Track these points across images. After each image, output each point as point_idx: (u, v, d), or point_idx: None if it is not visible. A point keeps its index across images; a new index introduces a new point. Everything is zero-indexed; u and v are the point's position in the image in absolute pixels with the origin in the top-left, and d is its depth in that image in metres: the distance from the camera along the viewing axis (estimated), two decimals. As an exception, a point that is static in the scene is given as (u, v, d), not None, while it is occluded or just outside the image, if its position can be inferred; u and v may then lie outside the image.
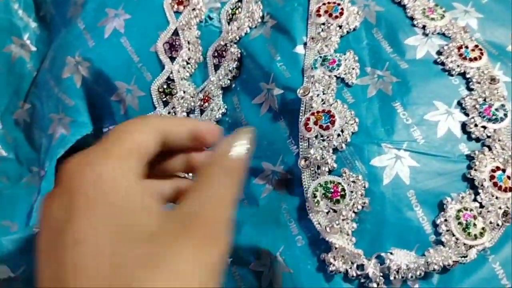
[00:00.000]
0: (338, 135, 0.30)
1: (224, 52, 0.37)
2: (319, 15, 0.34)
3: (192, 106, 0.37)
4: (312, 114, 0.30)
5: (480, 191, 0.29)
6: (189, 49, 0.38)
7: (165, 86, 0.37)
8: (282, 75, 0.34)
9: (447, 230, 0.28)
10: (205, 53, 0.38)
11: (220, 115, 0.36)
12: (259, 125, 0.34)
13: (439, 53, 0.33)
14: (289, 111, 0.33)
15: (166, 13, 0.38)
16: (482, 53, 0.33)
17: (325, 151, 0.29)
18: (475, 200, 0.28)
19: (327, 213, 0.29)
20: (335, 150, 0.30)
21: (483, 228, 0.27)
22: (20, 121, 0.43)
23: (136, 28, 0.38)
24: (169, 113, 0.37)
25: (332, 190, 0.28)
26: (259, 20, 0.37)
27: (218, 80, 0.37)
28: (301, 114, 0.31)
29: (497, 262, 0.28)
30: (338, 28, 0.34)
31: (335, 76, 0.32)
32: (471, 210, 0.28)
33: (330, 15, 0.34)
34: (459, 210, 0.28)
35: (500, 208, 0.28)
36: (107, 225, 0.19)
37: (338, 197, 0.28)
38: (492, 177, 0.29)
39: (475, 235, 0.27)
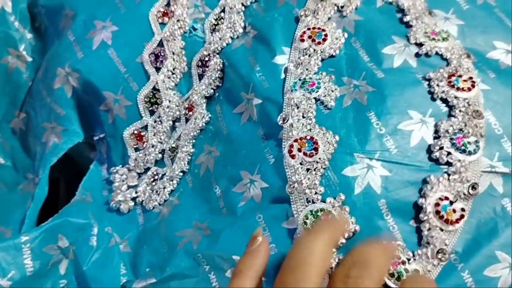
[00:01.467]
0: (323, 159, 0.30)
1: (207, 62, 0.38)
2: (302, 40, 0.34)
3: (177, 115, 0.38)
4: (295, 140, 0.31)
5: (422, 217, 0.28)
6: (173, 59, 0.39)
7: (151, 96, 0.38)
8: (261, 85, 0.34)
9: None
10: (189, 63, 0.39)
11: (204, 124, 0.37)
12: (239, 134, 0.35)
13: (425, 79, 0.32)
14: (267, 122, 0.33)
15: (151, 24, 0.39)
16: (473, 85, 0.32)
17: (312, 176, 0.30)
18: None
19: None
20: (322, 175, 0.30)
21: (416, 270, 0.27)
22: (16, 130, 0.45)
23: (123, 39, 0.39)
24: (155, 121, 0.39)
25: (323, 219, 0.29)
26: (241, 30, 0.38)
27: (202, 90, 0.38)
28: (283, 141, 0.31)
29: (466, 271, 0.28)
30: (320, 52, 0.34)
31: (314, 98, 0.32)
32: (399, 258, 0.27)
33: (313, 40, 0.34)
34: None
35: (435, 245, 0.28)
36: None
37: None
38: (436, 205, 0.28)
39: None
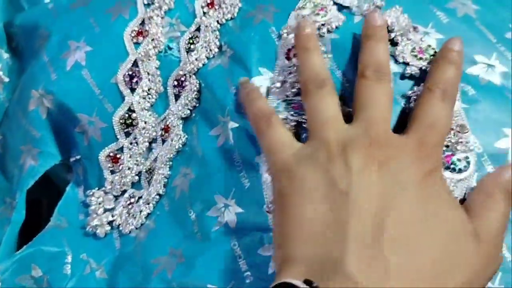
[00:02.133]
0: None
1: (183, 82, 0.37)
2: (288, 58, 0.33)
3: (154, 136, 0.38)
4: None
5: None
6: (149, 79, 0.38)
7: (126, 117, 0.37)
8: (236, 108, 0.34)
9: None
10: (165, 83, 0.38)
11: (181, 145, 0.37)
12: (215, 157, 0.34)
13: (406, 97, 0.31)
14: (244, 146, 0.33)
15: (126, 44, 0.38)
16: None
17: None
18: None
19: None
20: None
21: None
22: (-7, 152, 0.44)
23: (97, 60, 0.38)
24: (131, 143, 0.38)
25: None
26: (216, 50, 0.37)
27: (178, 111, 0.37)
28: (263, 161, 0.31)
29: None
30: None
31: (297, 121, 0.31)
32: None
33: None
34: None
35: None
36: None
37: None
38: None
39: None
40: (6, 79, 0.45)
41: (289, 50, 0.33)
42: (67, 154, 0.41)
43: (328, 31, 0.33)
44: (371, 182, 0.25)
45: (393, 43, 0.34)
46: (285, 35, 0.34)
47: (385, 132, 0.27)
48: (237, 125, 0.33)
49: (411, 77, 0.32)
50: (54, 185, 0.46)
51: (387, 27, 0.35)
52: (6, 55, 0.46)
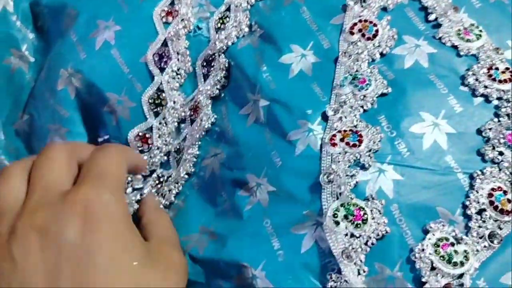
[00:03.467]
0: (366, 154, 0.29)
1: (212, 62, 0.37)
2: (352, 33, 0.33)
3: (182, 116, 0.38)
4: (339, 132, 0.30)
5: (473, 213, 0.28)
6: (178, 59, 0.38)
7: (155, 97, 0.37)
8: (267, 86, 0.34)
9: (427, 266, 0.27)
10: (194, 63, 0.38)
11: (210, 125, 0.37)
12: (245, 136, 0.34)
13: (463, 77, 0.32)
14: (274, 124, 0.32)
15: (155, 24, 0.38)
16: None
17: (350, 167, 0.29)
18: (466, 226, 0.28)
19: (345, 235, 0.28)
20: (363, 167, 0.29)
21: (465, 251, 0.27)
22: (20, 132, 0.44)
23: (126, 39, 0.38)
24: (160, 123, 0.38)
25: (355, 214, 0.28)
26: (247, 29, 0.37)
27: (207, 90, 0.37)
28: (327, 131, 0.31)
29: (481, 278, 0.27)
30: (369, 48, 0.33)
31: (363, 96, 0.31)
32: (446, 239, 0.27)
33: (363, 35, 0.33)
34: (437, 241, 0.27)
35: (487, 229, 0.27)
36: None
37: (360, 222, 0.28)
38: (490, 195, 0.28)
39: (460, 262, 0.27)
40: (32, 59, 0.45)
41: (354, 24, 0.33)
42: (95, 134, 0.41)
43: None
44: (35, 264, 0.24)
45: (436, 24, 0.34)
46: (350, 5, 0.34)
47: (40, 197, 0.26)
48: (267, 103, 0.33)
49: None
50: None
51: (426, 8, 0.35)
52: (31, 35, 0.46)
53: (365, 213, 0.28)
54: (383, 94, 0.32)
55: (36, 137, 0.43)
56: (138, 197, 0.38)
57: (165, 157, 0.38)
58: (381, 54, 0.33)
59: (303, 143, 0.31)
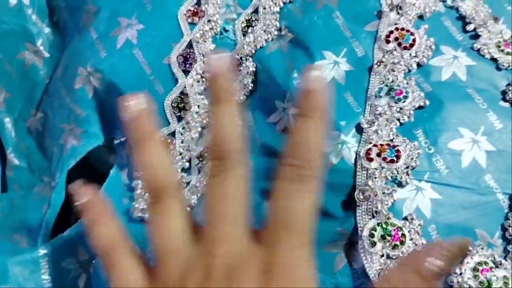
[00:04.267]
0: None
1: (239, 66, 0.36)
2: (388, 41, 0.32)
3: (206, 121, 0.36)
4: (375, 145, 0.29)
5: None
6: (203, 62, 0.36)
7: (178, 101, 0.36)
8: (298, 94, 0.32)
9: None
10: (219, 66, 0.37)
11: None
12: (273, 146, 0.33)
13: (504, 92, 0.31)
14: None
15: (180, 24, 0.37)
16: None
17: (387, 184, 0.28)
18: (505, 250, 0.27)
19: (381, 256, 0.27)
20: (400, 184, 0.28)
21: (505, 277, 0.26)
22: (32, 130, 0.43)
23: (149, 39, 0.37)
24: (183, 128, 0.36)
25: (393, 234, 0.27)
26: (276, 33, 0.35)
27: (233, 95, 0.36)
28: (361, 144, 0.29)
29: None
30: (406, 58, 0.32)
31: (400, 108, 0.30)
32: (485, 263, 0.26)
33: (400, 44, 0.32)
34: (476, 265, 0.26)
35: None
36: None
37: (398, 242, 0.27)
38: None
39: None
40: (47, 54, 0.44)
41: (390, 32, 0.32)
42: (111, 136, 0.40)
43: None
44: None
45: (475, 35, 0.33)
46: (386, 12, 0.33)
47: (228, 253, 0.22)
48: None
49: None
50: (88, 169, 0.44)
51: (464, 18, 0.33)
52: (47, 30, 0.44)
53: (403, 234, 0.27)
54: (420, 107, 0.30)
55: (49, 136, 0.41)
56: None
57: (187, 164, 0.37)
58: (418, 65, 0.32)
59: (336, 156, 0.30)
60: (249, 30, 0.36)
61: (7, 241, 0.35)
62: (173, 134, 0.37)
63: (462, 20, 0.34)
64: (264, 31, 0.35)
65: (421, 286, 0.21)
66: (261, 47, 0.36)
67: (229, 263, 0.21)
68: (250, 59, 0.36)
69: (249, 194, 0.23)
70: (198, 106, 0.36)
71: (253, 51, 0.35)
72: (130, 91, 0.37)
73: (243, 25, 0.37)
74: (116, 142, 0.39)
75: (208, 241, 0.22)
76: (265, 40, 0.35)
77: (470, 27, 0.33)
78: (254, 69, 0.35)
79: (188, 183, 0.36)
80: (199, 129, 0.36)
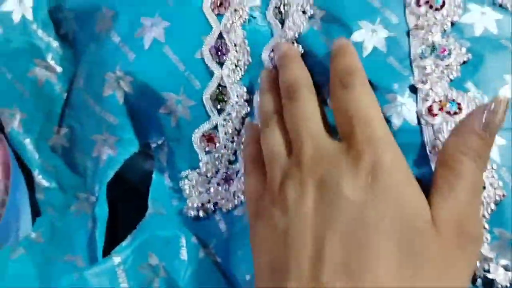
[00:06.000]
0: None
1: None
2: (419, 5, 0.33)
3: (247, 110, 0.36)
4: (434, 102, 0.30)
5: None
6: (236, 51, 0.36)
7: (217, 93, 0.36)
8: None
9: None
10: (251, 53, 0.37)
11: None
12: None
13: None
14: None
15: (207, 17, 0.36)
16: None
17: None
18: None
19: None
20: None
21: None
22: (57, 148, 0.41)
23: (177, 35, 0.36)
24: (224, 120, 0.36)
25: None
26: (311, 11, 0.36)
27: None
28: (419, 103, 0.30)
29: None
30: (439, 19, 0.33)
31: (447, 65, 0.31)
32: None
33: (431, 6, 0.33)
34: None
35: None
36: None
37: None
38: None
39: None
40: (59, 69, 0.42)
41: None
42: (145, 140, 0.39)
43: None
44: (306, 211, 0.24)
45: None
46: None
47: (315, 148, 0.26)
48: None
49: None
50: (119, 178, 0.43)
51: None
52: (55, 43, 0.42)
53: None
54: (464, 62, 0.32)
55: (79, 151, 0.40)
56: (207, 197, 0.36)
57: (233, 156, 0.36)
58: (451, 24, 0.33)
59: (398, 118, 0.30)
60: (283, 15, 0.36)
61: (62, 264, 0.33)
62: (215, 127, 0.36)
63: None
64: (299, 12, 0.35)
65: (480, 144, 0.24)
66: (301, 29, 0.35)
67: (313, 159, 0.26)
68: (295, 42, 0.35)
69: None
70: (237, 96, 0.36)
71: (297, 34, 0.35)
72: (165, 90, 0.36)
73: (275, 12, 0.36)
74: (153, 146, 0.38)
75: (294, 145, 0.27)
76: (303, 22, 0.35)
77: None
78: (302, 51, 0.35)
79: (237, 172, 0.36)
80: (241, 118, 0.36)
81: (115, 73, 0.36)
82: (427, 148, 0.29)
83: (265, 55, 0.36)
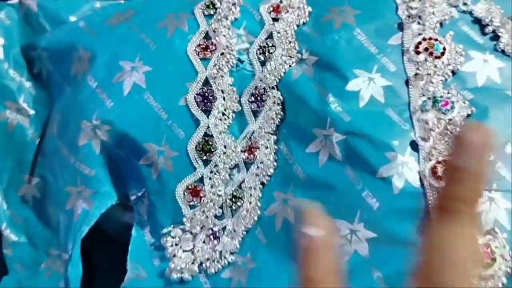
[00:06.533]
0: None
1: (262, 97, 0.34)
2: (418, 52, 0.31)
3: (235, 161, 0.33)
4: (438, 162, 0.27)
5: None
6: (224, 98, 0.34)
7: (203, 143, 0.33)
8: (339, 118, 0.30)
9: None
10: (239, 100, 0.34)
11: (273, 169, 0.33)
12: (322, 177, 0.30)
13: None
14: (357, 160, 0.29)
15: (192, 61, 0.34)
16: None
17: None
18: None
19: None
20: None
21: None
22: (28, 198, 0.37)
23: (160, 81, 0.34)
24: (211, 172, 0.33)
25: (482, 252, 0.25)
26: (298, 56, 0.34)
27: (261, 128, 0.33)
28: (422, 162, 0.28)
29: None
30: (439, 67, 0.31)
31: (449, 119, 0.29)
32: None
33: (431, 53, 0.31)
34: None
35: None
36: None
37: (489, 261, 0.25)
38: None
39: None
40: (32, 112, 0.39)
41: (418, 43, 0.31)
42: (124, 192, 0.36)
43: None
44: None
45: (494, 37, 0.33)
46: (408, 24, 0.32)
47: None
48: (343, 137, 0.30)
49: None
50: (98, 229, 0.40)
51: (480, 21, 0.33)
52: (28, 84, 0.39)
53: (492, 251, 0.25)
54: (467, 116, 0.30)
55: (52, 203, 0.36)
56: (192, 257, 0.33)
57: (220, 210, 0.33)
58: (452, 72, 0.31)
59: (399, 179, 0.28)
60: (267, 56, 0.34)
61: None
62: (201, 179, 0.33)
63: (478, 23, 0.34)
64: (285, 56, 0.33)
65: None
66: (284, 73, 0.34)
67: None
68: (275, 88, 0.33)
69: None
70: (225, 146, 0.33)
71: (278, 79, 0.33)
72: (146, 140, 0.33)
73: (259, 52, 0.34)
74: (132, 198, 0.35)
75: None
76: (289, 65, 0.33)
77: (488, 29, 0.33)
78: (281, 98, 0.33)
79: (224, 229, 0.33)
80: (229, 170, 0.34)
81: (91, 121, 0.33)
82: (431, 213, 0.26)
83: (244, 99, 0.33)
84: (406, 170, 0.28)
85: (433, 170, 0.27)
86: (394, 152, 0.28)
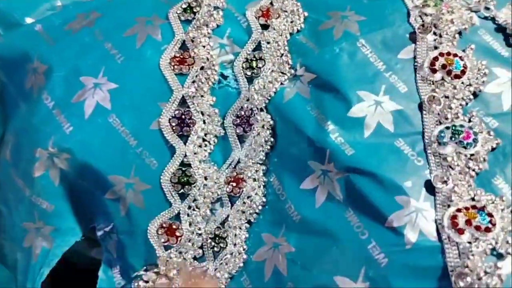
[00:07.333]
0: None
1: (249, 119, 0.29)
2: (433, 70, 0.26)
3: (218, 194, 0.29)
4: (459, 210, 0.23)
5: None
6: (204, 121, 0.28)
7: (179, 174, 0.28)
8: (341, 151, 0.26)
9: None
10: (222, 122, 0.29)
11: (261, 205, 0.28)
12: (319, 221, 0.26)
13: None
14: (361, 203, 0.25)
15: (166, 77, 0.28)
16: None
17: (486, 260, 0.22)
18: None
19: None
20: (500, 256, 0.22)
21: None
22: (-20, 233, 0.33)
23: (128, 101, 0.28)
24: (189, 207, 0.28)
25: None
26: (292, 71, 0.29)
27: (248, 157, 0.28)
28: (439, 209, 0.23)
29: None
30: (460, 89, 0.26)
31: (471, 155, 0.24)
32: None
33: (449, 72, 0.26)
34: None
35: None
36: None
37: None
38: None
39: None
40: (-16, 129, 0.34)
41: (434, 59, 0.26)
42: (90, 226, 0.31)
43: None
44: None
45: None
46: (421, 34, 0.27)
47: None
48: (345, 174, 0.25)
49: None
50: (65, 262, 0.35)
51: (505, 29, 0.29)
52: (-22, 97, 0.34)
53: None
54: (492, 149, 0.25)
55: (8, 239, 0.32)
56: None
57: (200, 251, 0.29)
58: (474, 94, 0.27)
59: (412, 231, 0.23)
60: (255, 72, 0.29)
61: None
62: (177, 216, 0.29)
63: (502, 31, 0.29)
64: (275, 72, 0.28)
65: None
66: (274, 92, 0.29)
67: None
68: (264, 109, 0.28)
69: None
70: (205, 178, 0.28)
71: (267, 100, 0.28)
72: (112, 172, 0.28)
73: (245, 66, 0.29)
74: (99, 233, 0.31)
75: None
76: (280, 83, 0.28)
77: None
78: (271, 122, 0.28)
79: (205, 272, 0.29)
80: (210, 204, 0.29)
81: (47, 149, 0.28)
82: (453, 279, 0.22)
83: (228, 121, 0.29)
84: (421, 219, 0.23)
85: (453, 221, 0.23)
86: (407, 197, 0.24)
